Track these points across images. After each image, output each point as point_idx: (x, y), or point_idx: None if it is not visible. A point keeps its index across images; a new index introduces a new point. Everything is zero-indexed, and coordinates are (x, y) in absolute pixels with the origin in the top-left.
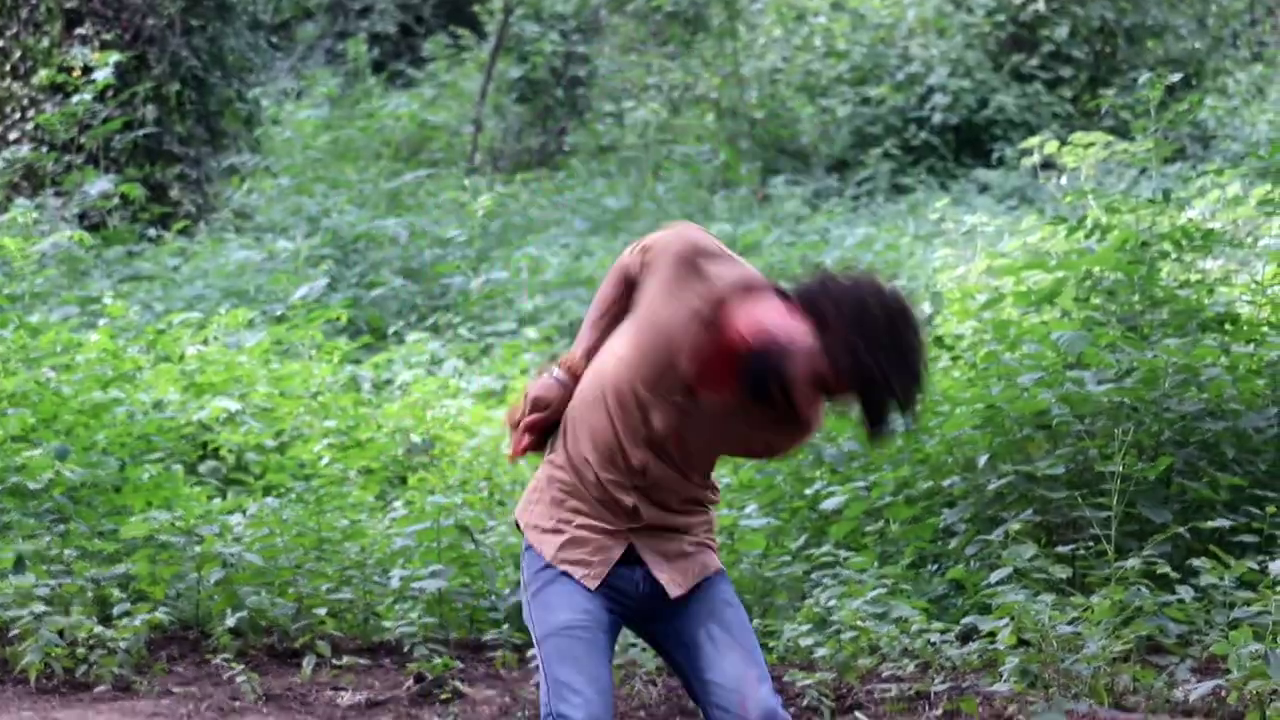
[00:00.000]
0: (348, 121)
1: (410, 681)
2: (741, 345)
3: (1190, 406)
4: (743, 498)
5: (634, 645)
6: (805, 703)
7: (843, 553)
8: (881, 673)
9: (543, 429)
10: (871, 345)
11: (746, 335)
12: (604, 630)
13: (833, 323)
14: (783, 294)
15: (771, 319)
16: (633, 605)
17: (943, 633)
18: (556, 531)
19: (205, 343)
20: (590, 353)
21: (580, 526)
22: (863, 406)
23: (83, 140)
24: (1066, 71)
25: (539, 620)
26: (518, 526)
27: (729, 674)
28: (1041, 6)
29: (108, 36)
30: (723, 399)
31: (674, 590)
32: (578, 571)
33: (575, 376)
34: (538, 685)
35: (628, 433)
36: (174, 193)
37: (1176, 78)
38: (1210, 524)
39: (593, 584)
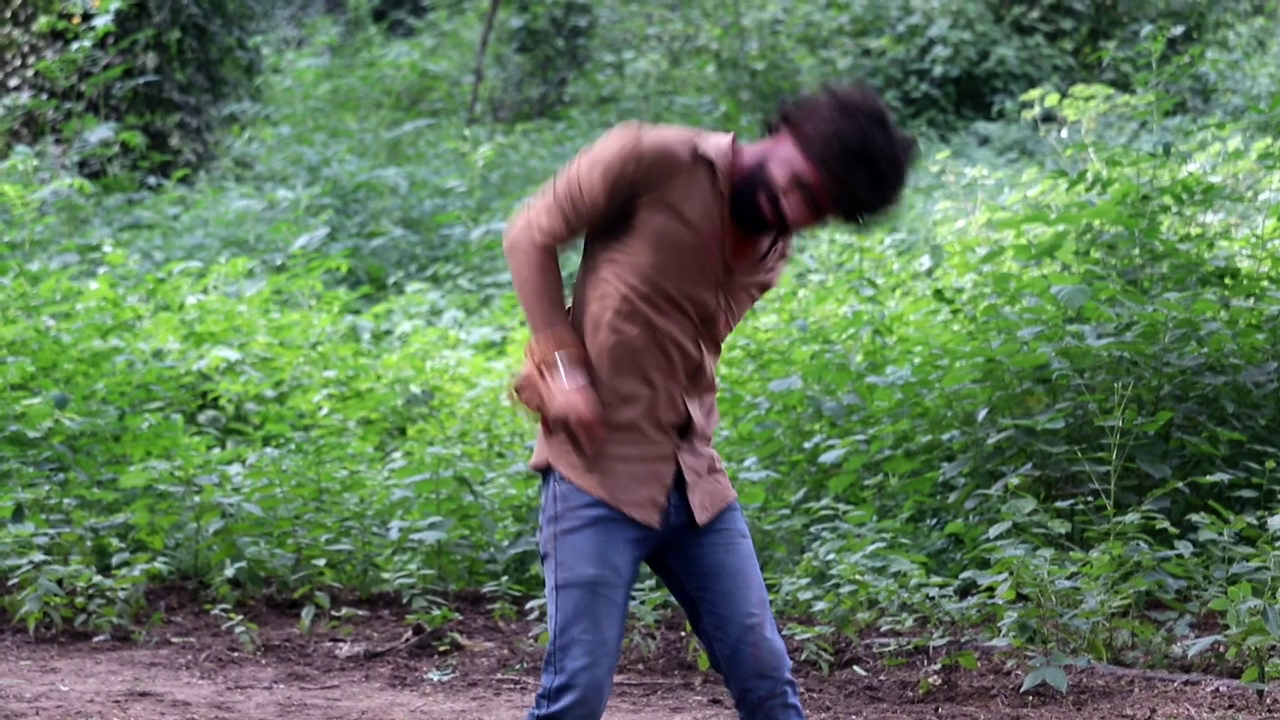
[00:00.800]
0: (348, 70)
1: (409, 633)
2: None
3: (1190, 361)
4: (742, 450)
5: (632, 598)
6: (804, 656)
7: (842, 506)
8: (880, 627)
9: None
10: (843, 132)
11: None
12: (626, 587)
13: (806, 125)
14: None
15: (755, 150)
16: (657, 537)
17: (941, 587)
18: (607, 471)
19: (205, 292)
20: (571, 330)
21: (631, 459)
22: (843, 195)
23: (83, 87)
24: (1067, 24)
25: (563, 563)
26: (543, 471)
27: (740, 610)
28: None
29: None
30: (753, 259)
31: (702, 516)
32: (639, 513)
33: (583, 354)
34: (535, 636)
35: (682, 333)
36: (174, 141)
37: (1178, 30)
38: (1209, 479)
39: (655, 520)
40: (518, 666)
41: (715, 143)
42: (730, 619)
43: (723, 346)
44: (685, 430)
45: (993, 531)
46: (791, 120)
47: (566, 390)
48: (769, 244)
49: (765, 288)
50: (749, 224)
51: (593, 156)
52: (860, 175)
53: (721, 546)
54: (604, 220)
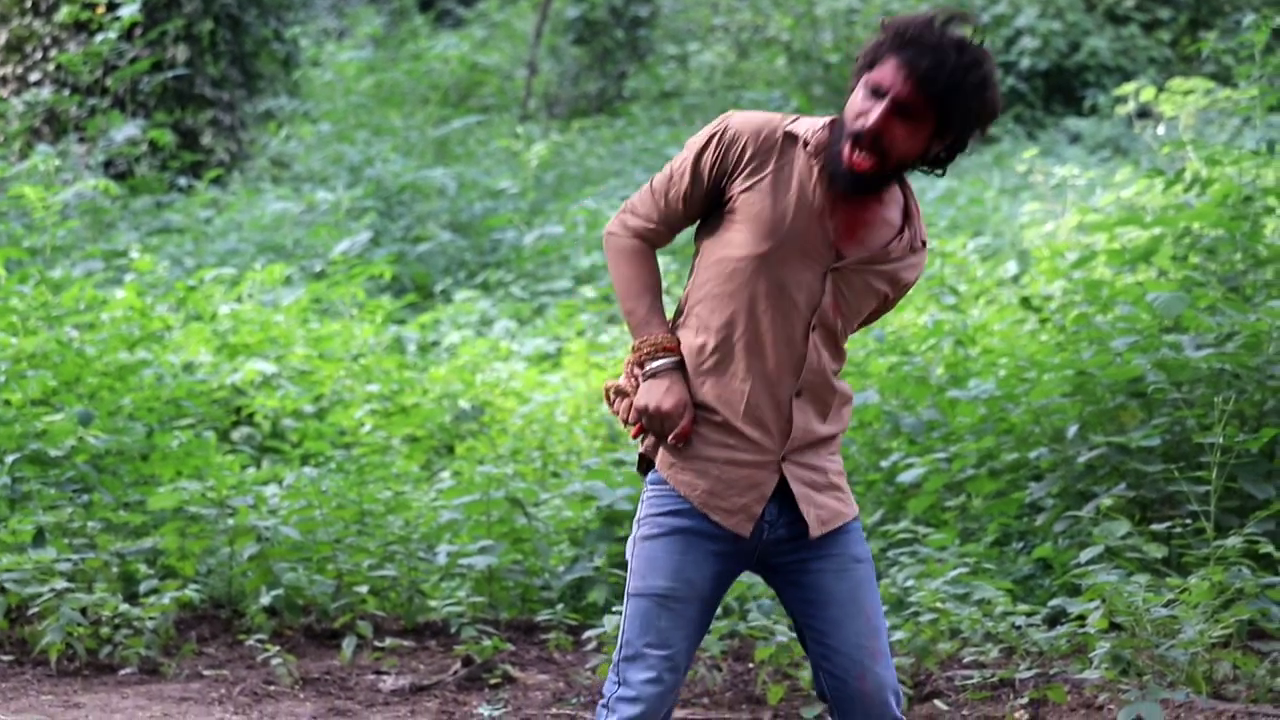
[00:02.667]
0: (393, 64)
1: (457, 665)
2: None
3: None
4: None
5: None
6: None
7: (921, 529)
8: (963, 658)
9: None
10: (907, 27)
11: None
12: (701, 601)
13: (892, 42)
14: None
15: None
16: (756, 550)
17: (1028, 615)
18: (701, 473)
19: (239, 300)
20: (669, 330)
21: (728, 462)
22: (940, 107)
23: (108, 82)
24: (1165, 13)
25: (637, 571)
26: (643, 468)
27: (850, 642)
28: None
29: None
30: (860, 238)
31: (816, 529)
32: (729, 520)
33: (677, 353)
34: (593, 668)
35: (790, 323)
36: (206, 139)
37: None
38: None
39: (746, 529)
40: (574, 700)
41: (809, 122)
42: (839, 650)
43: (844, 353)
44: (790, 434)
45: (1084, 556)
46: (876, 47)
47: (650, 388)
48: (894, 232)
49: (897, 283)
50: (846, 183)
51: (688, 143)
52: (933, 58)
53: (832, 572)
54: (699, 206)
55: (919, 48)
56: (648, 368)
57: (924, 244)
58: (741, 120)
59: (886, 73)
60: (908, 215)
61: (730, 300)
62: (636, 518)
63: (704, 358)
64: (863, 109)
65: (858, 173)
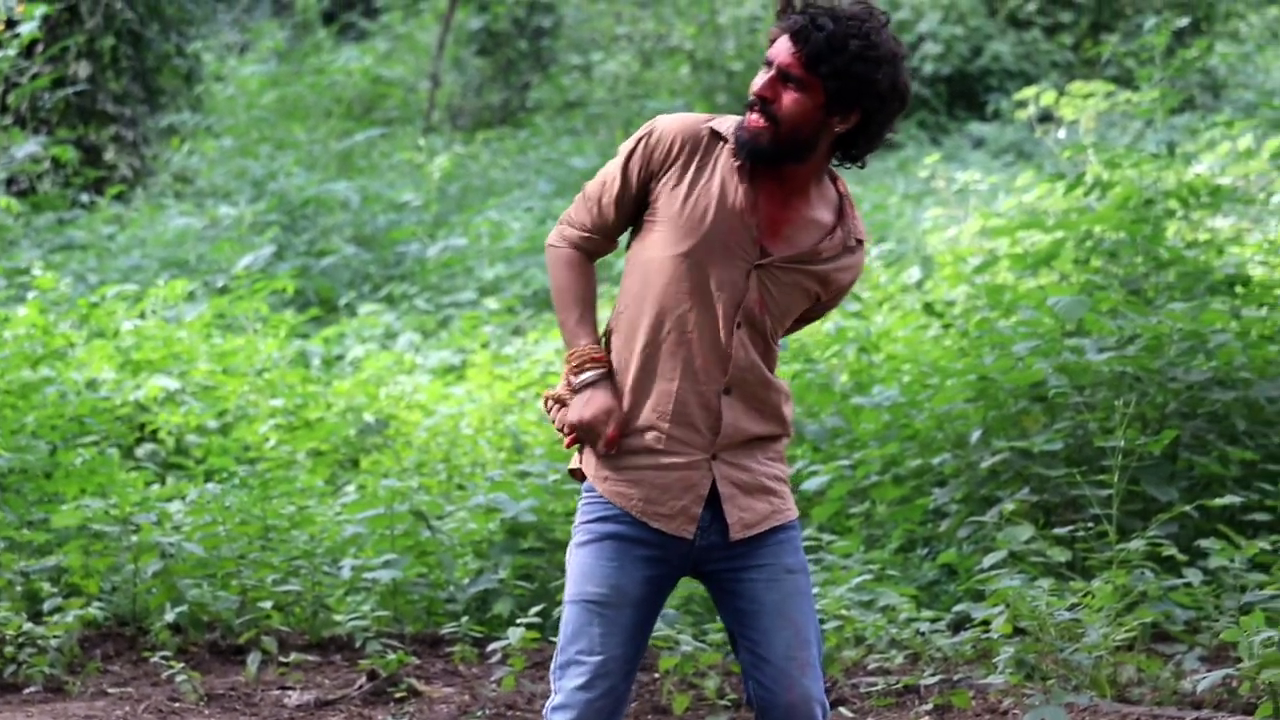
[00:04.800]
0: (296, 77)
1: (362, 679)
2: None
3: (1198, 375)
4: None
5: None
6: None
7: (826, 536)
8: (868, 665)
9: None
10: (813, 14)
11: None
12: (634, 607)
13: (782, 19)
14: None
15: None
16: (690, 556)
17: (933, 621)
18: (634, 481)
19: (142, 316)
20: (598, 339)
21: (660, 467)
22: (821, 71)
23: (8, 99)
24: (1066, 17)
25: (571, 577)
26: (577, 476)
27: (779, 653)
28: None
29: None
30: (786, 236)
31: (737, 531)
32: (668, 525)
33: (604, 362)
34: (498, 681)
35: (715, 322)
36: (108, 155)
37: (1184, 22)
38: (1219, 501)
39: (689, 532)
40: (479, 713)
41: (733, 120)
42: (768, 660)
43: (776, 354)
44: (719, 434)
45: (987, 561)
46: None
47: (576, 401)
48: (825, 231)
49: (829, 284)
50: (746, 150)
51: (620, 148)
52: (812, 24)
53: (764, 582)
54: (631, 211)
55: (803, 18)
56: (576, 382)
57: (859, 242)
58: (668, 122)
59: (776, 45)
60: (841, 215)
61: (654, 301)
62: (574, 525)
63: (631, 360)
64: (755, 81)
65: (753, 131)
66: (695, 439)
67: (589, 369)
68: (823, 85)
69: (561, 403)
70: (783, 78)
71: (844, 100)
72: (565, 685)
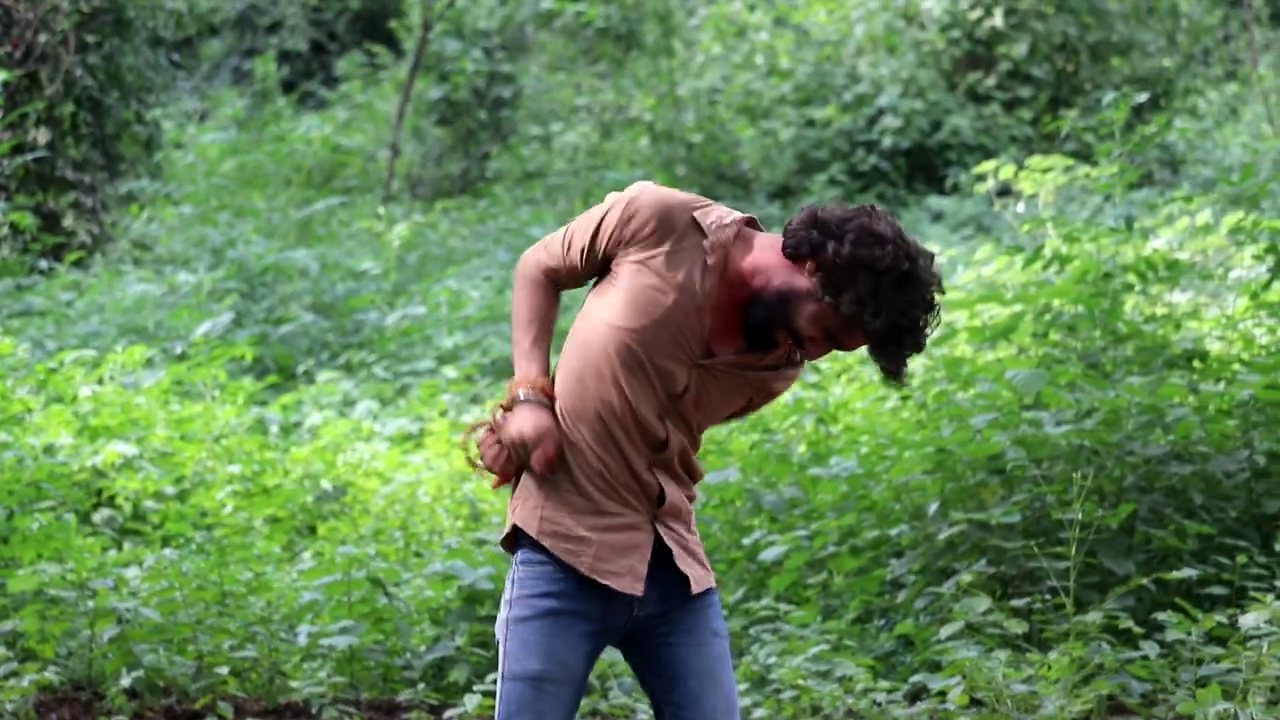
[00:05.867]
0: (255, 145)
1: None
2: (746, 293)
3: (1155, 449)
4: None
5: None
6: None
7: (783, 606)
8: None
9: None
10: (876, 284)
11: (749, 282)
12: (574, 682)
13: (833, 260)
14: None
15: (770, 261)
16: (625, 626)
17: (890, 692)
18: (581, 540)
19: (100, 382)
20: (547, 369)
21: (603, 529)
22: (872, 349)
23: None
24: (1026, 91)
25: (510, 653)
26: (511, 544)
27: (707, 716)
28: (999, 22)
29: None
30: (738, 351)
31: (696, 585)
32: (619, 583)
33: (549, 394)
34: None
35: (647, 404)
36: (67, 221)
37: (1144, 98)
38: (1177, 575)
39: (638, 589)
40: None
41: (718, 215)
42: None
43: (700, 441)
44: (661, 501)
45: (944, 632)
46: (813, 250)
47: (511, 417)
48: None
49: (763, 390)
50: (756, 341)
51: (607, 198)
52: (895, 339)
53: (692, 646)
54: (593, 267)
55: (888, 342)
56: (519, 396)
57: (802, 360)
58: (651, 199)
59: (852, 338)
60: None
61: (593, 364)
62: (505, 597)
63: (571, 414)
64: (812, 335)
65: (775, 338)
66: (635, 502)
67: (540, 404)
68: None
69: (485, 426)
70: (838, 346)
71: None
72: None
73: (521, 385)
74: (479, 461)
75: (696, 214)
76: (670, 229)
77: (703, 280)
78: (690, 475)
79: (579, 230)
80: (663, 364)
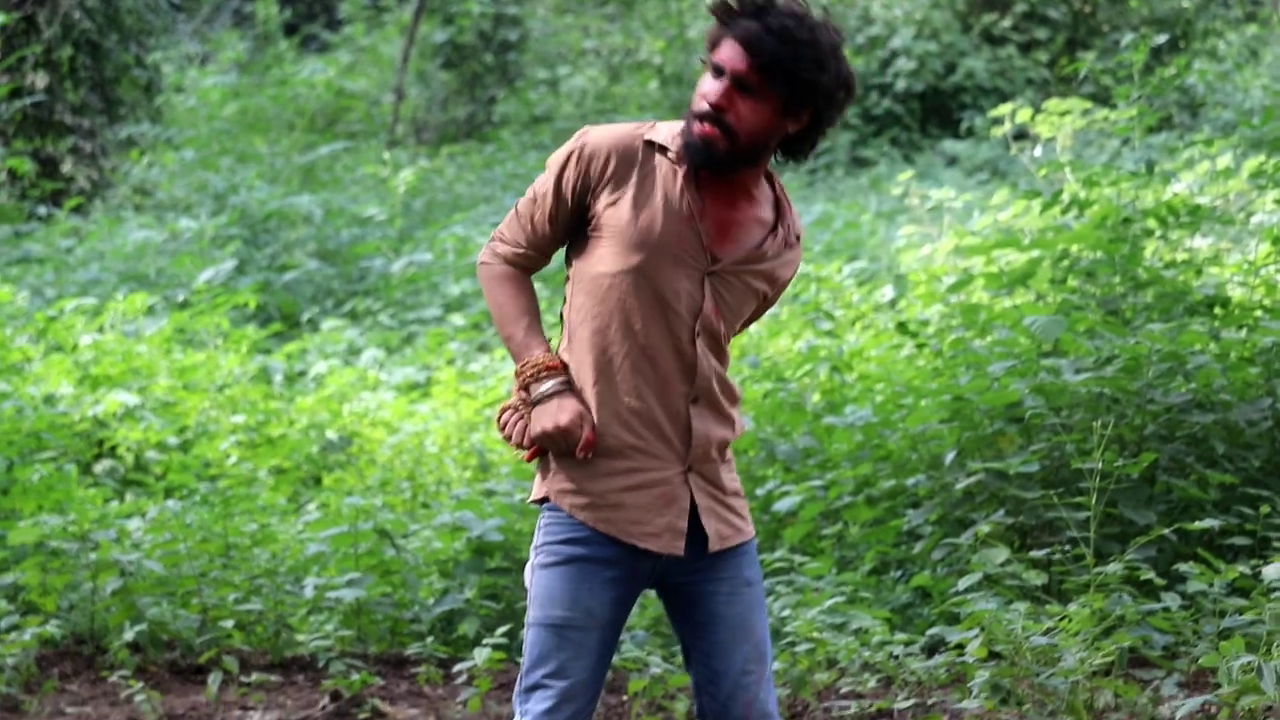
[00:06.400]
0: (257, 89)
1: (326, 699)
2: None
3: (1176, 397)
4: None
5: None
6: None
7: (798, 558)
8: (840, 688)
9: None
10: (760, 16)
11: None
12: (601, 629)
13: (726, 21)
14: None
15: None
16: (655, 571)
17: (906, 645)
18: (615, 506)
19: (101, 331)
20: (547, 349)
21: (637, 487)
22: (777, 77)
23: None
24: (1042, 33)
25: (535, 600)
26: (542, 502)
27: (735, 667)
28: None
29: None
30: (733, 239)
31: (715, 544)
32: (656, 543)
33: (558, 368)
34: (464, 702)
35: (673, 333)
36: (66, 167)
37: (1162, 39)
38: (1198, 525)
39: (679, 548)
40: None
41: (667, 127)
42: (723, 674)
43: (729, 356)
44: (691, 445)
45: (962, 584)
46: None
47: (541, 412)
48: (767, 229)
49: (775, 281)
50: (699, 156)
51: (548, 162)
52: (762, 27)
53: (724, 595)
54: (566, 227)
55: (750, 20)
56: (534, 393)
57: (798, 238)
58: (599, 135)
59: (724, 51)
60: (780, 211)
61: (609, 318)
62: (533, 544)
63: (593, 380)
64: (706, 89)
65: (706, 140)
66: (668, 453)
67: (545, 378)
68: (777, 91)
69: (517, 410)
70: (738, 86)
71: (797, 102)
72: (531, 709)
73: (532, 370)
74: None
75: (648, 135)
76: (631, 159)
77: (681, 191)
78: (730, 399)
79: (536, 200)
80: (676, 287)
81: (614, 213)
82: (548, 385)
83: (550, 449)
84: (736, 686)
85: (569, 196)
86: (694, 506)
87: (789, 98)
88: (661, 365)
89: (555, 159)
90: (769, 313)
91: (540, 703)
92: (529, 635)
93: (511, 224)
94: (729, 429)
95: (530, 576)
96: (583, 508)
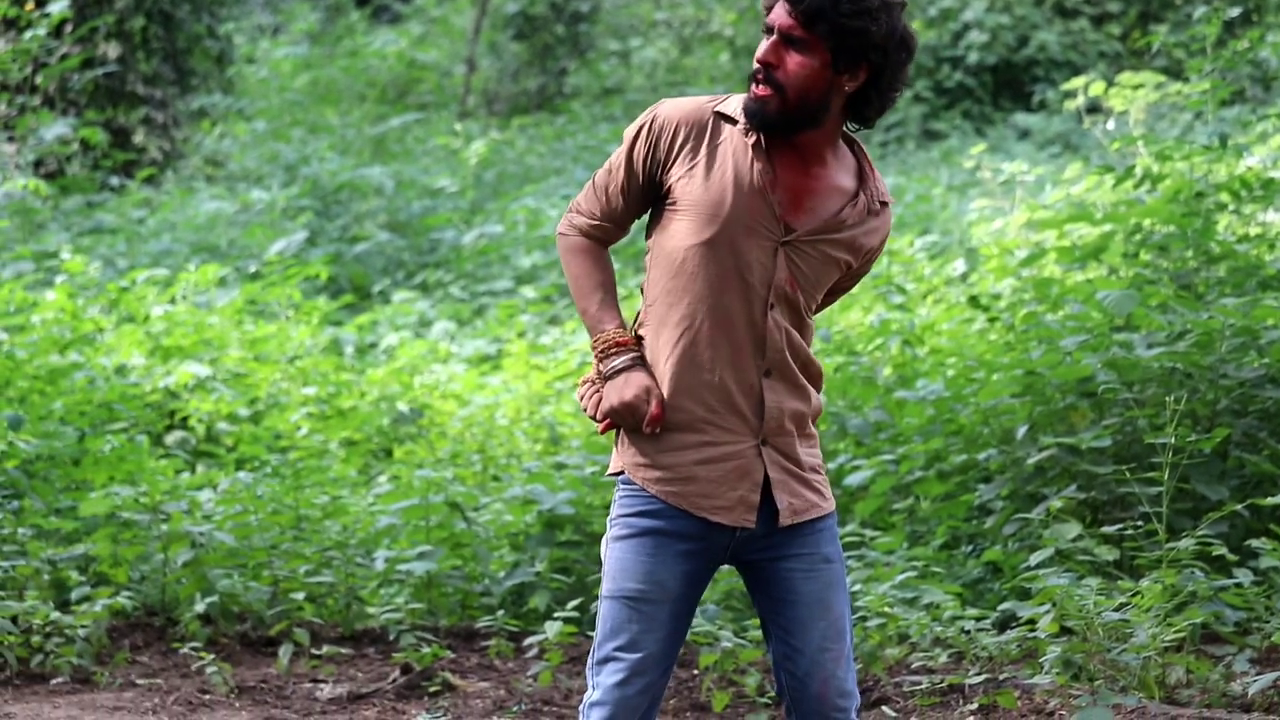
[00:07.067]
0: (329, 60)
1: (396, 672)
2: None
3: (1249, 372)
4: None
5: None
6: None
7: (869, 532)
8: (911, 663)
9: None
10: None
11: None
12: (674, 602)
13: None
14: None
15: None
16: (730, 546)
17: (978, 620)
18: (687, 479)
19: (172, 302)
20: (622, 324)
21: (709, 460)
22: (822, 30)
23: (38, 80)
24: (1114, 6)
25: (608, 572)
26: (618, 475)
27: (813, 644)
28: None
29: None
30: (808, 208)
31: (787, 518)
32: (728, 517)
33: (638, 340)
34: (534, 676)
35: (749, 305)
36: (138, 138)
37: (1236, 12)
38: (1271, 500)
39: (750, 521)
40: (515, 709)
41: (738, 99)
42: (801, 651)
43: (811, 328)
44: (765, 418)
45: (1034, 559)
46: None
47: (611, 388)
48: (847, 198)
49: (858, 250)
50: (756, 119)
51: (624, 135)
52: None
53: (802, 571)
54: (640, 200)
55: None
56: (606, 368)
57: (884, 204)
58: (670, 108)
59: (773, 10)
60: (862, 178)
61: (684, 292)
62: (609, 518)
63: (668, 354)
64: (758, 51)
65: (760, 100)
66: (741, 426)
67: (615, 354)
68: (824, 44)
69: (595, 388)
70: (784, 41)
71: (848, 56)
72: (603, 681)
73: (603, 345)
74: (586, 413)
75: (719, 107)
76: (701, 131)
77: (752, 161)
78: (809, 376)
79: (610, 173)
80: (749, 259)
81: (687, 186)
82: (618, 361)
83: (619, 423)
84: (814, 664)
85: (640, 170)
86: (767, 480)
87: (837, 50)
88: (735, 338)
89: (629, 132)
90: None
91: (612, 675)
92: (602, 608)
93: (588, 196)
94: (804, 402)
95: (605, 549)
96: (655, 481)
